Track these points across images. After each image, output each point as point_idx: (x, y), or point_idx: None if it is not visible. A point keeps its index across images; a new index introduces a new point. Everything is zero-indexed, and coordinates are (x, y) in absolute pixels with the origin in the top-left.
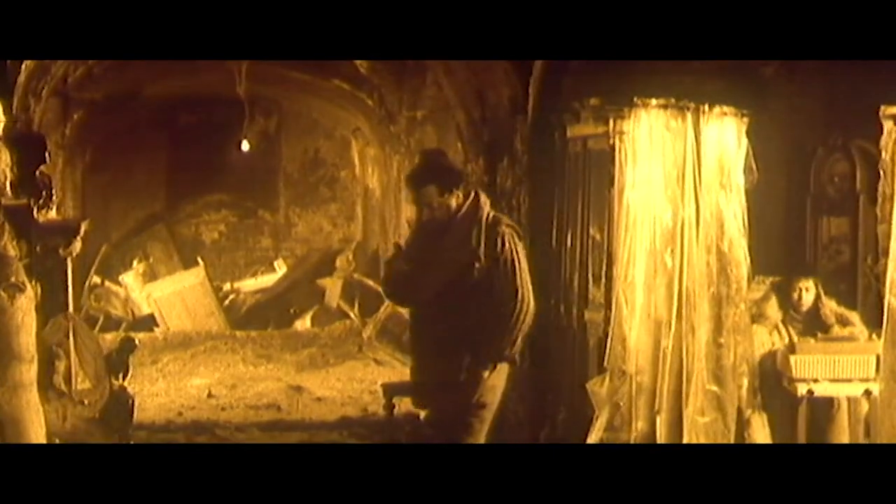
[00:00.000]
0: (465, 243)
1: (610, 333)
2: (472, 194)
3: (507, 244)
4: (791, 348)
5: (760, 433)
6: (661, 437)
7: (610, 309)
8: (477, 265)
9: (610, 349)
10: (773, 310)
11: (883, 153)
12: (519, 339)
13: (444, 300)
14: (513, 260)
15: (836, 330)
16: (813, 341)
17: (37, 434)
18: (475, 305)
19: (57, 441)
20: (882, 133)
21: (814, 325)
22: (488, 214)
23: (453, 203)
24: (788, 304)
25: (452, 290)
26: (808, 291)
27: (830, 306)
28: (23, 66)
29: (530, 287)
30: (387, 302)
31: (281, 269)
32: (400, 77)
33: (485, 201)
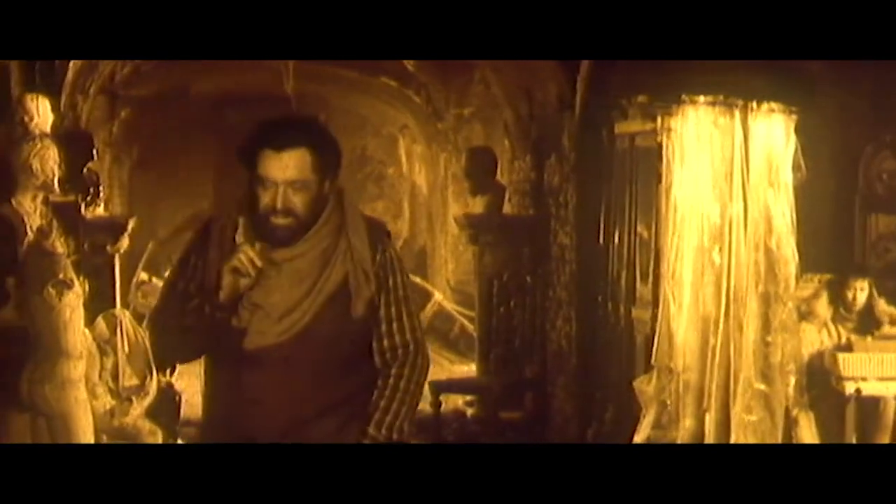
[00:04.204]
0: (346, 252)
1: (657, 331)
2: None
3: (397, 264)
4: (847, 346)
5: (808, 432)
6: (709, 436)
7: (657, 306)
8: (365, 292)
9: (657, 347)
10: (822, 308)
11: None
12: (405, 417)
13: (305, 347)
14: (405, 291)
15: (887, 329)
16: (870, 340)
17: (84, 431)
18: (352, 357)
19: (104, 437)
20: None
21: (866, 323)
22: (366, 216)
23: (326, 188)
24: (840, 302)
25: (320, 332)
26: (862, 291)
27: (882, 305)
28: (71, 65)
29: (422, 333)
30: (434, 299)
31: None
32: (447, 74)
33: (350, 196)
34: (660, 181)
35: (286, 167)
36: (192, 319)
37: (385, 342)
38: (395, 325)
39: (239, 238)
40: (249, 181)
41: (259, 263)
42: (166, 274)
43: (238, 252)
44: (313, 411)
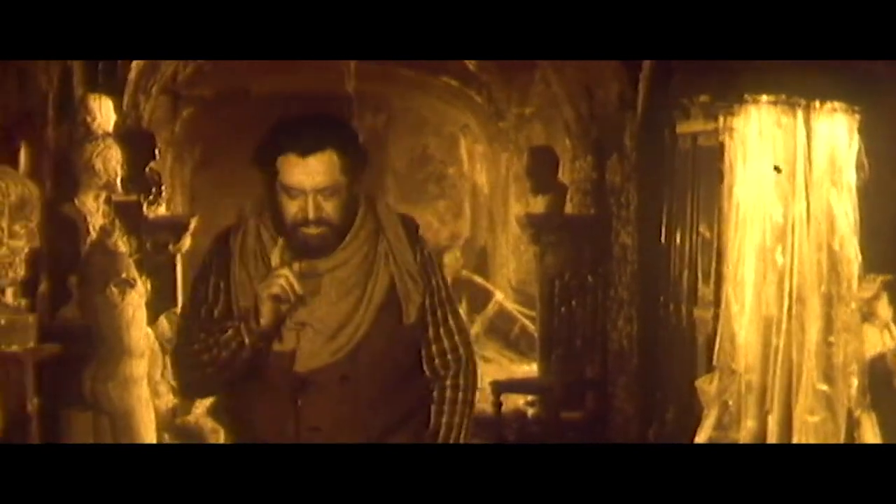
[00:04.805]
0: (388, 256)
1: (719, 331)
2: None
3: (434, 263)
4: None
5: (870, 433)
6: (771, 437)
7: (719, 307)
8: (415, 297)
9: (719, 347)
10: (884, 309)
11: None
12: (467, 429)
13: (361, 363)
14: (447, 291)
15: None
16: None
17: (146, 429)
18: (407, 370)
19: (166, 436)
20: None
21: None
22: (399, 213)
23: (356, 189)
24: None
25: (375, 345)
26: None
27: None
28: (133, 64)
29: (469, 335)
30: (495, 299)
31: None
32: (508, 74)
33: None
34: (722, 181)
35: (314, 173)
36: (229, 352)
37: (434, 348)
38: (442, 329)
39: (275, 259)
40: (269, 189)
41: (299, 290)
42: (185, 302)
43: (277, 277)
44: (376, 433)
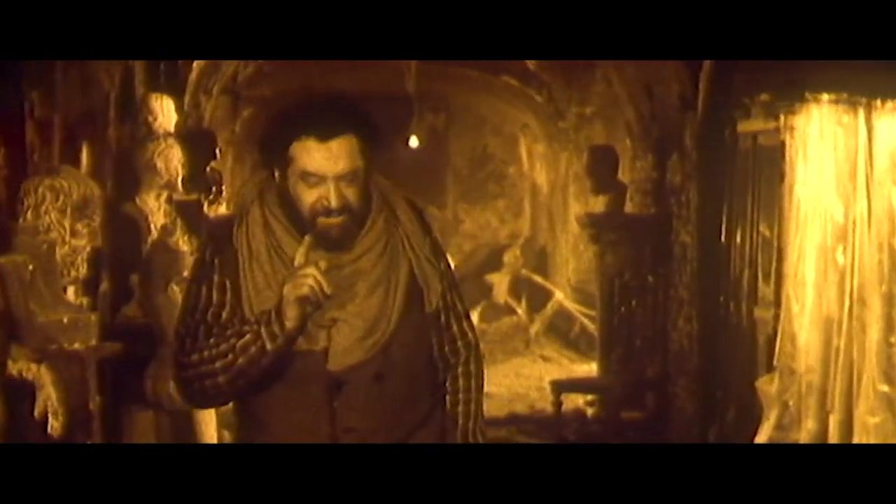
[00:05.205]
0: (404, 241)
1: (779, 331)
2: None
3: (442, 248)
4: None
5: None
6: (832, 438)
7: (780, 306)
8: (434, 283)
9: (779, 347)
10: None
11: None
12: (482, 418)
13: (394, 358)
14: (453, 276)
15: None
16: None
17: (207, 426)
18: (427, 361)
19: (226, 434)
20: None
21: None
22: (405, 197)
23: (370, 175)
24: None
25: (405, 338)
26: None
27: None
28: (194, 65)
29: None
30: (554, 298)
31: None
32: (569, 73)
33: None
34: (782, 180)
35: (337, 158)
36: (247, 359)
37: (444, 334)
38: (451, 314)
39: (300, 258)
40: (280, 178)
41: (328, 289)
42: (181, 304)
43: (304, 277)
44: (406, 432)
